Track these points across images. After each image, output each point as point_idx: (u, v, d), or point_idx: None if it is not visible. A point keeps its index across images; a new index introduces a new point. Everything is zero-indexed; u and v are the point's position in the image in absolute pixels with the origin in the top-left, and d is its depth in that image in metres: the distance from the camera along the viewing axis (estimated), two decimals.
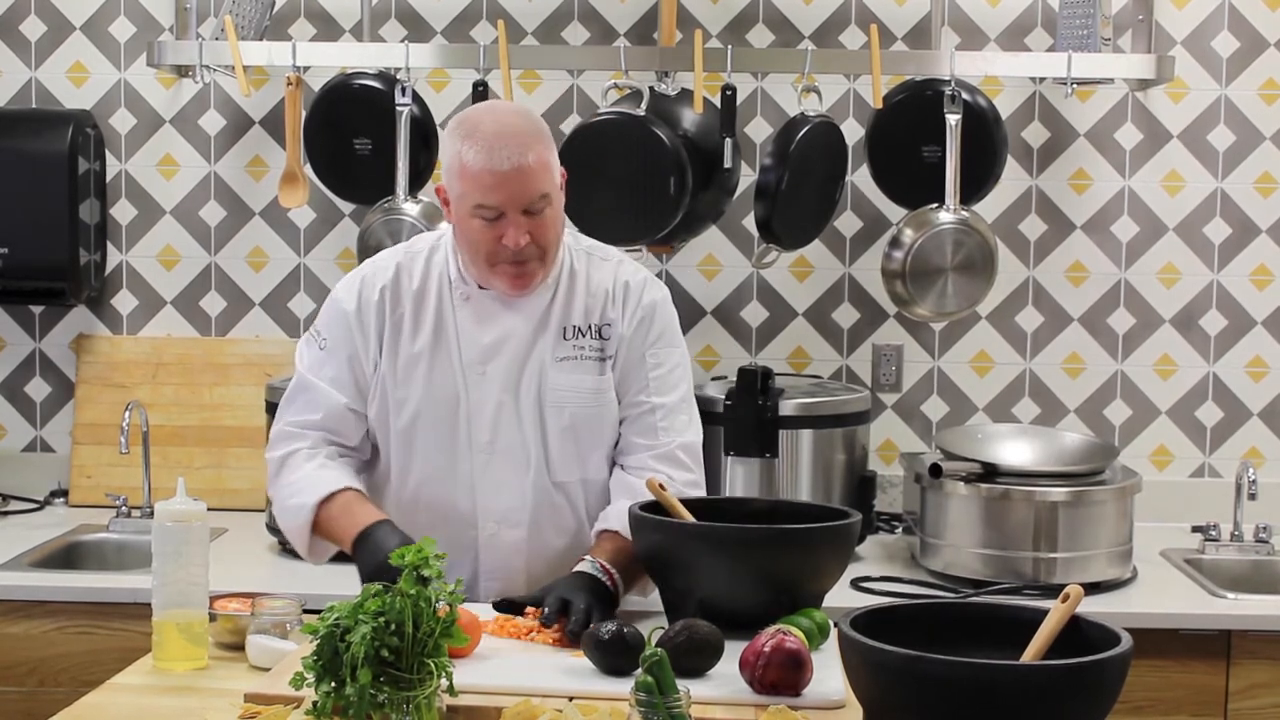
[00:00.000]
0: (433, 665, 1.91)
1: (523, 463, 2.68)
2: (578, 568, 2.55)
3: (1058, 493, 3.26)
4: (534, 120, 2.63)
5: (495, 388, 2.66)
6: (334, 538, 2.65)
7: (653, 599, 2.56)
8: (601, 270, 2.74)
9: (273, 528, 3.56)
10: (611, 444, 2.73)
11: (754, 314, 4.01)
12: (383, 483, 2.75)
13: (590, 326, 2.70)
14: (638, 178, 3.53)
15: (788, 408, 3.46)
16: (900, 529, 3.77)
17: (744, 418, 3.44)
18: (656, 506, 2.51)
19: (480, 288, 2.68)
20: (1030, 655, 1.94)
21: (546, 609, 2.41)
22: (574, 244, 2.77)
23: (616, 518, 2.62)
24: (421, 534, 2.60)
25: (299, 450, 2.69)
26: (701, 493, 2.72)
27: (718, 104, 3.63)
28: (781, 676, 2.10)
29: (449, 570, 2.58)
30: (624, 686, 1.94)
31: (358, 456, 2.75)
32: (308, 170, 3.83)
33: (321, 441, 2.71)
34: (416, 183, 3.73)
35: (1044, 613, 1.98)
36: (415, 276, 2.70)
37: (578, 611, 2.39)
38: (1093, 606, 2.56)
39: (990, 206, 3.88)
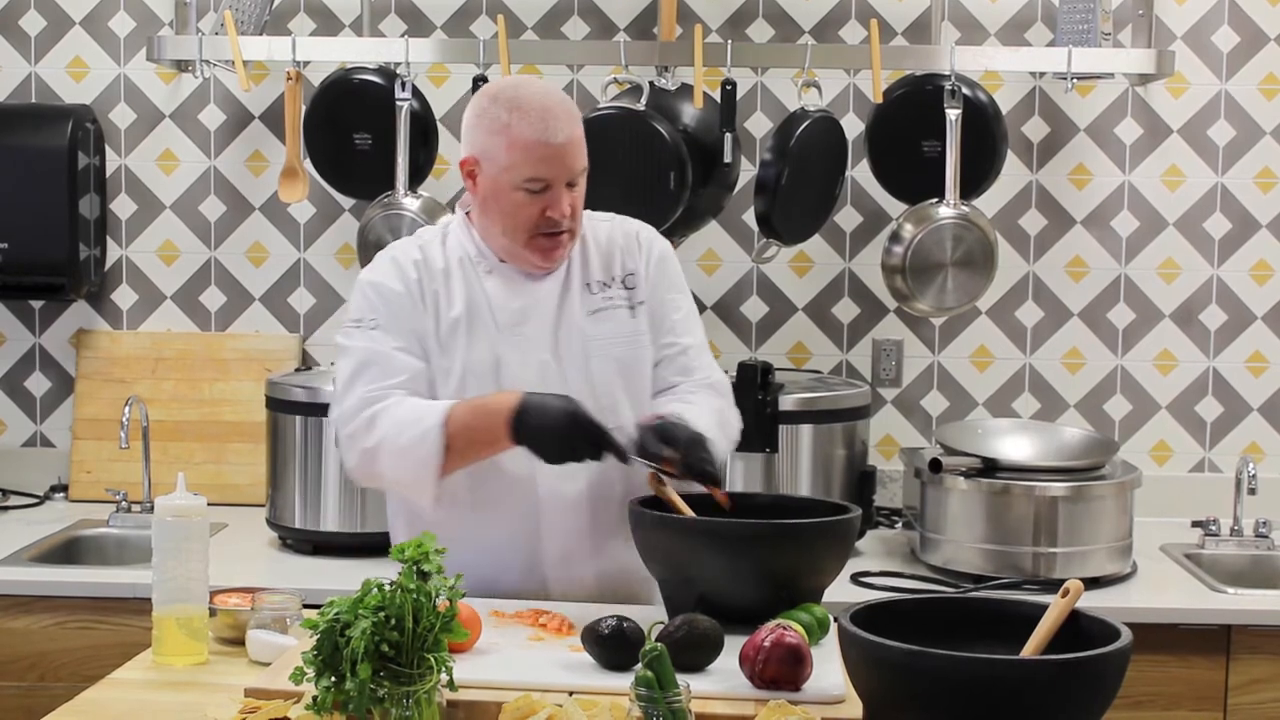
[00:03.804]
0: (433, 660, 1.91)
1: None
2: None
3: (1058, 488, 3.26)
4: (565, 94, 2.66)
5: (534, 348, 2.66)
6: (477, 440, 2.52)
7: (653, 594, 2.56)
8: (602, 227, 2.78)
9: (273, 522, 3.56)
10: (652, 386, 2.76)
11: (754, 309, 4.01)
12: None
13: (613, 278, 2.73)
14: (638, 173, 3.53)
15: (788, 403, 3.46)
16: (900, 524, 3.77)
17: (744, 413, 3.38)
18: (656, 502, 2.51)
19: (501, 262, 2.69)
20: (1030, 650, 1.94)
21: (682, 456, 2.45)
22: None
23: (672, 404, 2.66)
24: (483, 499, 2.62)
25: (390, 401, 2.57)
26: (740, 425, 2.78)
27: (718, 99, 3.63)
28: (781, 671, 2.10)
29: (512, 532, 2.63)
30: (624, 681, 1.94)
31: None
32: (307, 165, 3.83)
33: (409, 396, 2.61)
34: (416, 178, 3.73)
35: (1044, 608, 1.99)
36: (438, 257, 2.70)
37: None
38: (1092, 601, 2.56)
39: (990, 201, 3.88)
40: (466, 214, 2.74)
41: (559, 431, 2.46)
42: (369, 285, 2.68)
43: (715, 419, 2.66)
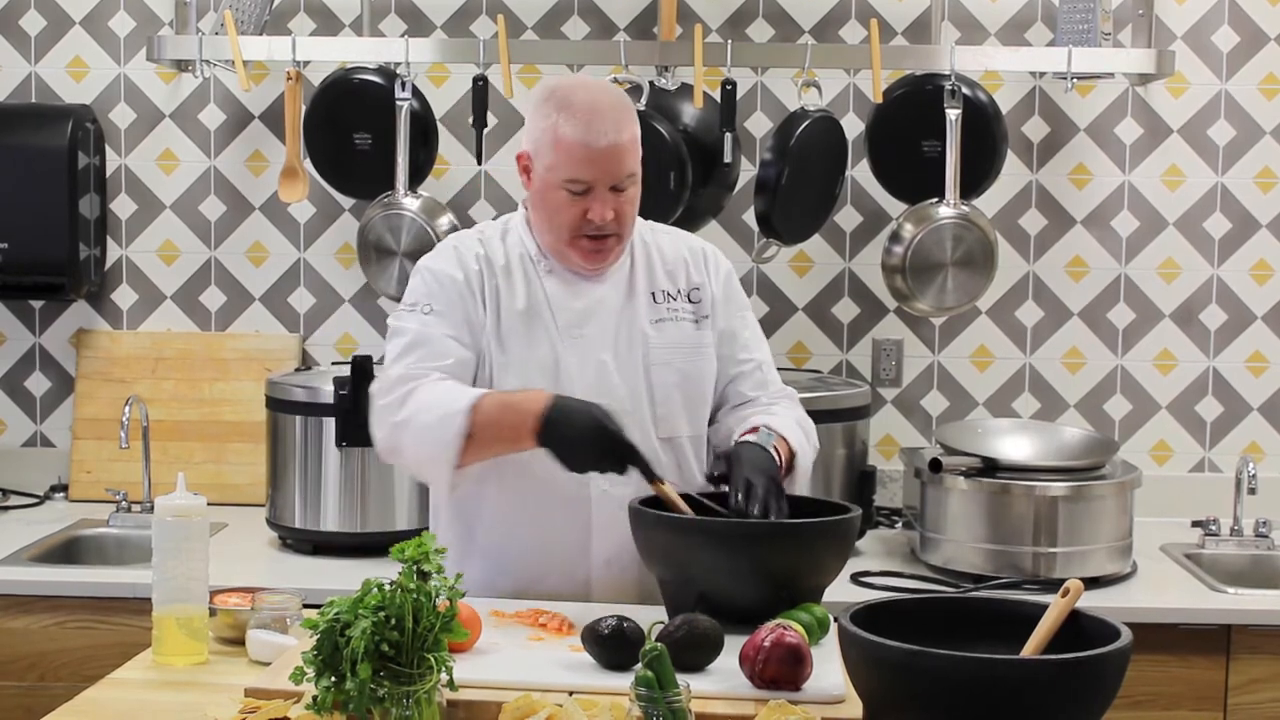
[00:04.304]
0: (433, 660, 1.91)
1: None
2: (749, 439, 2.58)
3: (1058, 488, 3.26)
4: (625, 97, 2.66)
5: (594, 349, 2.66)
6: (500, 436, 2.49)
7: (653, 593, 2.55)
8: (666, 240, 2.79)
9: (273, 522, 3.56)
10: (712, 401, 2.76)
11: (754, 309, 3.98)
12: None
13: (679, 291, 2.74)
14: None
15: None
16: (900, 524, 3.77)
17: None
18: (656, 501, 2.51)
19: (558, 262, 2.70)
20: (1030, 650, 1.94)
21: (738, 496, 2.44)
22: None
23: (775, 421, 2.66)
24: (534, 496, 2.60)
25: (426, 381, 2.55)
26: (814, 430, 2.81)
27: (718, 99, 3.63)
28: (781, 671, 2.10)
29: (562, 532, 2.62)
30: (624, 681, 1.94)
31: None
32: (307, 165, 3.83)
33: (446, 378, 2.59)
34: (416, 177, 3.73)
35: (1044, 607, 1.99)
36: (498, 253, 2.69)
37: (758, 498, 2.44)
38: (1092, 601, 2.56)
39: (990, 201, 3.88)
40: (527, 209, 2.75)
41: (584, 443, 2.44)
42: (428, 271, 2.68)
43: (799, 429, 2.72)
